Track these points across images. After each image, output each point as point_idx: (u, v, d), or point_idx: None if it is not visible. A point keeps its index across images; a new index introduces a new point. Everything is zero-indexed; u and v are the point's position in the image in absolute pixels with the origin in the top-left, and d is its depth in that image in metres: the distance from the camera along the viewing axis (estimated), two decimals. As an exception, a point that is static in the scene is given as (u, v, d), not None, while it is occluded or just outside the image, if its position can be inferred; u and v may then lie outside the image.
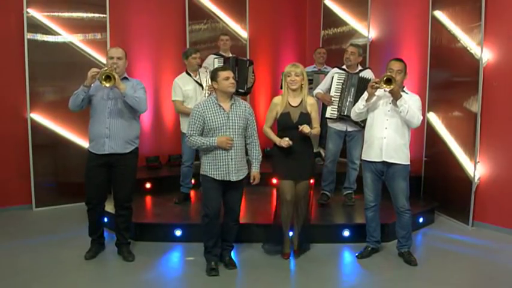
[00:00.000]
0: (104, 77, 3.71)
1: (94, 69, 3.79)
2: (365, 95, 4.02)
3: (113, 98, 3.91)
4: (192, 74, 5.10)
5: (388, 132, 3.96)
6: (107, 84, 3.72)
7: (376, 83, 3.86)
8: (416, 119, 3.91)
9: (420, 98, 4.10)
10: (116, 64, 3.89)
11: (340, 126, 4.99)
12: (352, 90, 4.82)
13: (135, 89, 3.95)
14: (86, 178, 4.03)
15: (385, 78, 3.80)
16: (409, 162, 4.03)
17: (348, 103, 4.83)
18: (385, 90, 3.86)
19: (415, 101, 3.99)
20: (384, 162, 3.99)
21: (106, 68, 3.81)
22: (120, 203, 4.09)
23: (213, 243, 3.87)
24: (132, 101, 3.86)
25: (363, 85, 4.76)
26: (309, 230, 4.24)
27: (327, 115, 4.98)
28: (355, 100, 4.70)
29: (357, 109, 4.09)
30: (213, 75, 3.83)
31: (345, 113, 4.83)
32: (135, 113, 4.01)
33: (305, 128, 3.84)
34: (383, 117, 3.98)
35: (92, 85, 3.85)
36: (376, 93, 3.94)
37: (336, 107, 4.91)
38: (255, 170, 3.96)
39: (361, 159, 4.30)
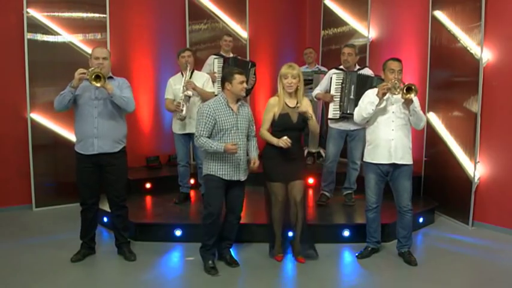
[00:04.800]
0: (93, 76, 3.68)
1: (81, 70, 3.74)
2: (374, 99, 3.94)
3: (100, 98, 3.88)
4: (183, 73, 5.08)
5: (395, 134, 3.95)
6: (98, 84, 3.69)
7: (389, 89, 3.83)
8: (424, 121, 3.98)
9: (420, 98, 4.12)
10: (101, 64, 3.85)
11: (343, 126, 4.98)
12: (352, 87, 4.82)
13: (121, 88, 3.93)
14: (78, 179, 4.01)
15: (405, 89, 3.77)
16: (412, 162, 4.06)
17: (349, 101, 4.83)
18: (404, 98, 3.84)
19: (415, 101, 3.98)
20: (391, 164, 3.98)
21: (93, 68, 3.78)
22: (115, 203, 4.08)
23: (213, 242, 3.91)
24: (120, 101, 3.84)
25: (362, 82, 4.79)
26: (309, 232, 4.14)
27: (330, 115, 4.97)
28: (356, 98, 4.72)
29: (365, 114, 3.99)
30: (228, 76, 3.80)
31: (347, 111, 4.83)
32: (122, 113, 3.99)
33: (304, 109, 3.81)
34: (389, 119, 3.97)
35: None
36: (384, 97, 3.92)
37: (338, 106, 4.91)
38: (255, 156, 3.98)
39: (362, 161, 4.29)
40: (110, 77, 3.98)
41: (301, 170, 4.01)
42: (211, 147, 3.73)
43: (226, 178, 3.82)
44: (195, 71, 5.12)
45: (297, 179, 3.95)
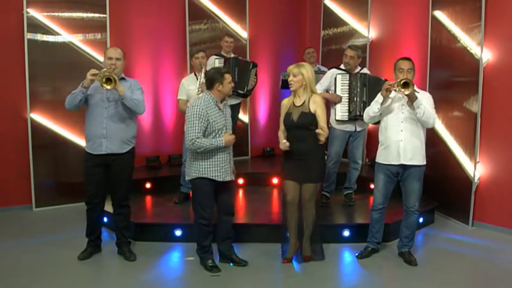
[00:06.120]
0: (104, 79, 3.69)
1: (93, 71, 3.76)
2: (379, 98, 3.95)
3: (112, 100, 3.90)
4: (197, 74, 5.09)
5: (404, 135, 3.93)
6: (108, 87, 3.71)
7: (391, 85, 3.82)
8: (432, 119, 3.90)
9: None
10: (114, 65, 3.87)
11: (349, 127, 4.97)
12: (365, 90, 4.80)
13: (132, 90, 3.95)
14: (85, 178, 4.04)
15: (402, 82, 3.76)
16: (425, 163, 4.03)
17: (361, 103, 4.80)
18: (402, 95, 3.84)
19: (428, 99, 3.97)
20: (401, 165, 3.97)
21: (105, 70, 3.79)
22: (118, 202, 4.11)
23: (210, 242, 3.93)
24: (131, 103, 3.86)
25: (376, 84, 4.74)
26: (319, 234, 4.11)
27: (337, 117, 4.92)
28: (370, 100, 4.70)
29: (371, 113, 4.02)
30: (219, 77, 3.77)
31: (359, 113, 4.80)
32: (132, 114, 4.00)
33: (321, 137, 3.74)
34: (398, 119, 3.96)
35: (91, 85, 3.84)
36: (390, 96, 3.91)
37: (347, 108, 4.89)
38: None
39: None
40: (122, 78, 3.99)
41: (314, 172, 3.92)
42: (212, 144, 3.70)
43: (219, 180, 3.81)
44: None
45: (309, 182, 3.90)
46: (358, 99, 4.83)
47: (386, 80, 4.73)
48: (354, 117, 4.86)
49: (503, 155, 4.84)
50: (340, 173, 5.19)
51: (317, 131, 3.74)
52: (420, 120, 3.91)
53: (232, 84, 3.88)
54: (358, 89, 4.84)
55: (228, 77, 3.80)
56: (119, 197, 4.09)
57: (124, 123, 3.96)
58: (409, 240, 4.12)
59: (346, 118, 4.90)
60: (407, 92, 3.77)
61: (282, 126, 4.01)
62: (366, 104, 4.73)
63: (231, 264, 4.00)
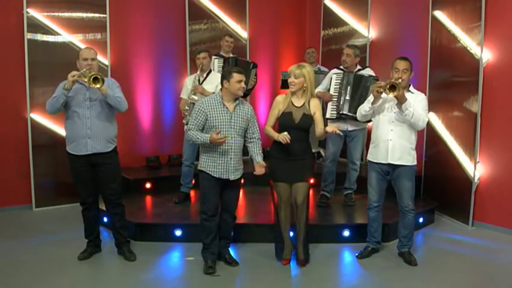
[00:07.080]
0: (92, 79, 3.70)
1: (74, 72, 3.76)
2: (370, 97, 3.98)
3: (94, 99, 3.90)
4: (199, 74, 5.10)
5: (393, 135, 3.94)
6: (97, 86, 3.71)
7: (379, 87, 3.83)
8: (422, 121, 3.89)
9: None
10: (90, 66, 3.86)
11: (341, 126, 4.95)
12: (348, 88, 4.83)
13: (111, 89, 3.95)
14: (75, 179, 4.04)
15: (388, 86, 3.76)
16: (415, 163, 4.03)
17: (345, 101, 4.83)
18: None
19: (421, 101, 3.96)
20: (389, 164, 3.99)
21: (86, 70, 3.78)
22: (111, 201, 4.09)
23: (211, 240, 3.91)
24: (114, 101, 3.87)
25: (358, 82, 4.80)
26: (307, 236, 4.09)
27: (327, 115, 4.98)
28: (352, 98, 4.74)
29: (363, 111, 4.07)
30: (227, 75, 3.79)
31: (343, 112, 4.83)
32: (113, 113, 4.02)
33: (331, 128, 3.81)
34: (388, 119, 3.97)
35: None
36: (382, 96, 3.91)
37: (335, 106, 4.91)
38: (260, 161, 3.96)
39: (366, 160, 4.27)
40: None
41: (305, 172, 3.94)
42: (198, 138, 3.77)
43: (215, 176, 3.83)
44: (212, 72, 5.13)
45: (300, 181, 3.90)
46: (343, 97, 4.84)
47: (372, 77, 4.76)
48: (340, 115, 4.86)
49: (503, 155, 4.85)
50: (339, 173, 5.19)
51: (327, 128, 3.81)
52: (409, 122, 3.91)
53: (242, 85, 3.81)
54: (344, 88, 4.85)
55: (236, 76, 3.77)
56: (111, 196, 4.07)
57: (108, 121, 3.97)
58: (407, 240, 4.12)
59: (334, 116, 4.92)
60: (394, 95, 3.77)
61: (271, 122, 3.96)
62: (349, 102, 4.76)
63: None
